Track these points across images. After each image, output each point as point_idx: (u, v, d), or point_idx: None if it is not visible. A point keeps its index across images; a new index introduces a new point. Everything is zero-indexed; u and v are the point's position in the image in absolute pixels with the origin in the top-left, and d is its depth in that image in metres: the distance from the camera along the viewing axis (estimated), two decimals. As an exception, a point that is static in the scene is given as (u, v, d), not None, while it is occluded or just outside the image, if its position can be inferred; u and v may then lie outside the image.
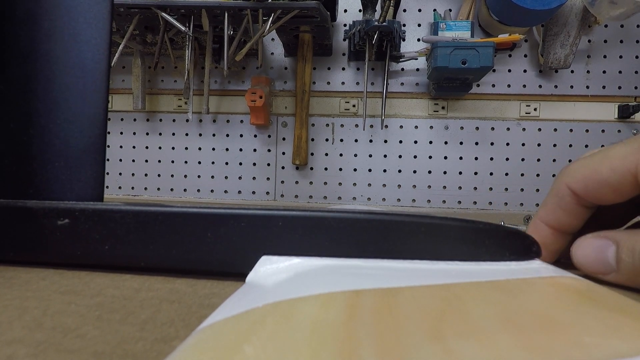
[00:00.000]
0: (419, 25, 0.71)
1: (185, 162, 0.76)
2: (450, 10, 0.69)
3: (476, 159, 0.71)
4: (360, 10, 0.71)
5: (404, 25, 0.71)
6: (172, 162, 0.76)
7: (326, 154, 0.73)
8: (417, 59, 0.68)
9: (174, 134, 0.76)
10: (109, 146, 0.76)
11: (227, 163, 0.75)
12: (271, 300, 0.12)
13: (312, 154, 0.73)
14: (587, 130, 0.70)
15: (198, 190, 0.75)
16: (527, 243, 0.17)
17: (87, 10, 0.21)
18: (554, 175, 0.70)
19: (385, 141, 0.73)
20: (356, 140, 0.73)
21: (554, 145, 0.71)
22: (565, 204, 0.19)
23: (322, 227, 0.17)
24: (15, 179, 0.21)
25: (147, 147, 0.76)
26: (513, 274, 0.15)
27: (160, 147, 0.76)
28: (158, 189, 0.76)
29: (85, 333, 0.12)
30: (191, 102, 0.66)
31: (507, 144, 0.71)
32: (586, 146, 0.70)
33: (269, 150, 0.74)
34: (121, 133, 0.76)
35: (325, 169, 0.73)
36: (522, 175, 0.71)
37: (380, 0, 0.63)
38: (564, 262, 0.19)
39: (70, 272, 0.18)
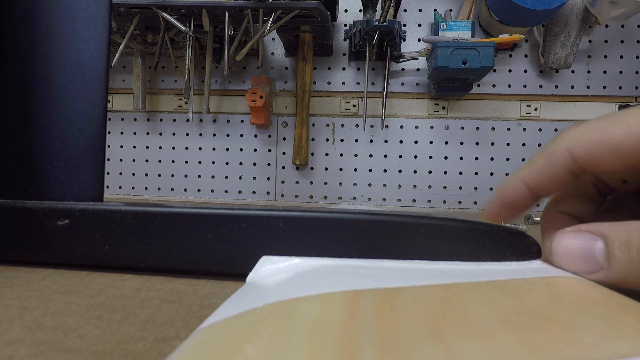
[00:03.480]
0: (420, 25, 0.71)
1: (186, 162, 0.75)
2: (450, 10, 0.69)
3: (477, 159, 0.71)
4: (360, 10, 0.71)
5: (405, 25, 0.71)
6: (173, 162, 0.76)
7: (326, 154, 0.73)
8: (417, 59, 0.68)
9: (174, 134, 0.76)
10: (109, 146, 0.76)
11: (227, 163, 0.75)
12: (271, 300, 0.12)
13: (312, 154, 0.73)
14: (587, 130, 0.70)
15: (198, 190, 0.75)
16: (528, 243, 0.17)
17: (85, 10, 0.21)
18: (554, 175, 0.70)
19: (386, 141, 0.72)
20: (356, 140, 0.73)
21: (555, 145, 0.71)
22: (557, 168, 0.17)
23: (323, 227, 0.17)
24: (15, 179, 0.21)
25: (147, 147, 0.76)
26: (513, 274, 0.15)
27: (160, 147, 0.76)
28: (158, 188, 0.76)
29: (85, 333, 0.12)
30: (192, 102, 0.66)
31: (508, 144, 0.71)
32: (587, 146, 0.70)
33: (269, 150, 0.74)
34: (121, 133, 0.76)
35: (326, 169, 0.73)
36: (523, 175, 0.71)
37: (381, 0, 0.63)
38: None
39: (71, 272, 0.18)
